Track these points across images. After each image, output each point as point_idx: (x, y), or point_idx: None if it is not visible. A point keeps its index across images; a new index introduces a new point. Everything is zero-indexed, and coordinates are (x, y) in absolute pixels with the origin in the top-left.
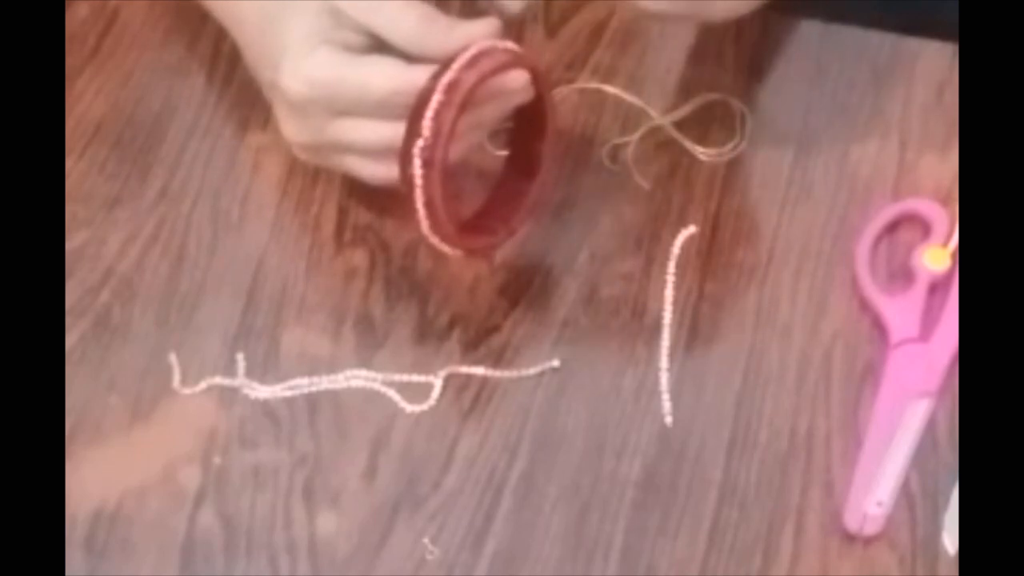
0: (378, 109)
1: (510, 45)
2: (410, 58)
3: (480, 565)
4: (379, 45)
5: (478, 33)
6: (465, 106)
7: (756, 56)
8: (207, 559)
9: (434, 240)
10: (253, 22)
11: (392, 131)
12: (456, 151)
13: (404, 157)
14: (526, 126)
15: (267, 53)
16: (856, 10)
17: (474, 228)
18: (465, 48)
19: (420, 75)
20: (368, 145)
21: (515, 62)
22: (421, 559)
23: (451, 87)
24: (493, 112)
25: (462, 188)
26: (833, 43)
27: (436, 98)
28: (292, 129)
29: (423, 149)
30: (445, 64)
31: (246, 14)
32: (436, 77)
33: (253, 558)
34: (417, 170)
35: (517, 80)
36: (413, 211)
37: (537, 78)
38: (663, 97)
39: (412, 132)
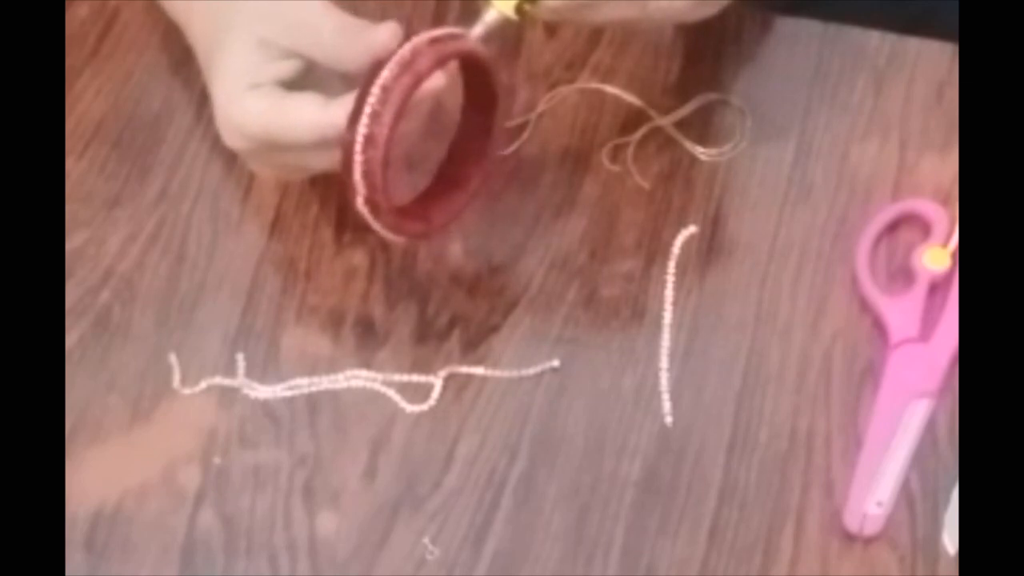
0: (313, 147)
1: (414, 50)
2: (339, 75)
3: (480, 565)
4: (309, 67)
5: (381, 42)
6: (390, 149)
7: (756, 56)
8: (207, 559)
9: (404, 240)
10: (200, 58)
11: (334, 159)
12: (402, 145)
13: (350, 201)
14: (471, 69)
15: (210, 93)
16: (856, 10)
17: (448, 184)
18: (373, 78)
19: (339, 113)
20: (319, 169)
21: (421, 77)
22: (421, 559)
23: (369, 143)
24: (426, 107)
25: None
26: (833, 43)
27: (359, 158)
28: (254, 167)
29: (365, 202)
30: (357, 107)
31: (195, 47)
32: (351, 127)
33: (253, 558)
34: (367, 216)
35: (432, 89)
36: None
37: (453, 55)
38: (663, 97)
39: (349, 187)
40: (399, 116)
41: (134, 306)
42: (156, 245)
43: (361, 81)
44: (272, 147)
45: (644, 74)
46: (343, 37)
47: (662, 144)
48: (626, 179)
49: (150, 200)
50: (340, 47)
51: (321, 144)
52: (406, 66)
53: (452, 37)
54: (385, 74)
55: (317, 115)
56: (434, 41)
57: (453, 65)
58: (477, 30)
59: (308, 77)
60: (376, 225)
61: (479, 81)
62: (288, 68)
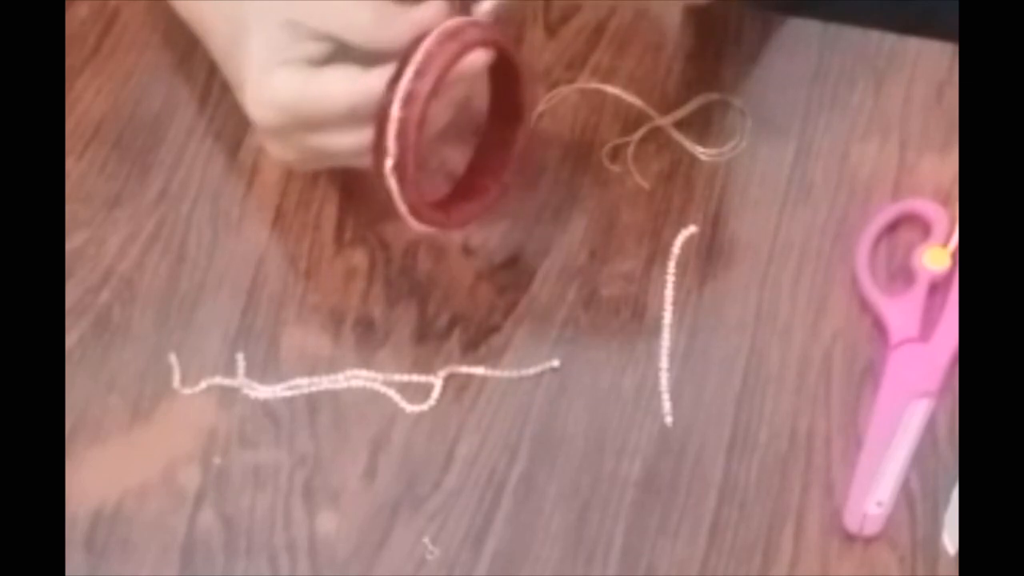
0: (347, 120)
1: (460, 24)
2: (372, 57)
3: (480, 565)
4: (341, 48)
5: (427, 19)
6: (425, 116)
7: (756, 56)
8: (207, 559)
9: (427, 230)
10: (220, 44)
11: (366, 136)
12: (433, 128)
13: (377, 172)
14: (501, 78)
15: (234, 77)
16: (856, 10)
17: (466, 192)
18: (417, 44)
19: (376, 81)
20: (349, 151)
21: (467, 46)
22: (421, 559)
23: (408, 100)
24: (462, 89)
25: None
26: (833, 43)
27: (395, 116)
28: (275, 149)
29: (394, 168)
30: (398, 71)
31: (214, 35)
32: (391, 88)
33: (253, 558)
34: (393, 185)
35: (475, 64)
36: (398, 214)
37: (497, 45)
38: (663, 97)
39: (379, 150)
40: (441, 79)
41: (134, 306)
42: (156, 245)
43: (403, 51)
44: (303, 122)
45: (644, 74)
46: (384, 17)
47: (662, 144)
48: (626, 179)
49: (150, 200)
50: (381, 28)
51: (353, 117)
52: (452, 35)
53: (496, 26)
54: (431, 39)
55: (353, 82)
56: (478, 24)
57: (483, 73)
58: (486, 6)
59: (332, 61)
60: (399, 200)
61: (507, 92)
62: (317, 49)
